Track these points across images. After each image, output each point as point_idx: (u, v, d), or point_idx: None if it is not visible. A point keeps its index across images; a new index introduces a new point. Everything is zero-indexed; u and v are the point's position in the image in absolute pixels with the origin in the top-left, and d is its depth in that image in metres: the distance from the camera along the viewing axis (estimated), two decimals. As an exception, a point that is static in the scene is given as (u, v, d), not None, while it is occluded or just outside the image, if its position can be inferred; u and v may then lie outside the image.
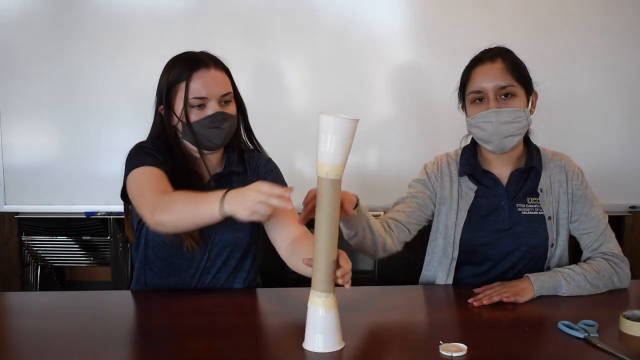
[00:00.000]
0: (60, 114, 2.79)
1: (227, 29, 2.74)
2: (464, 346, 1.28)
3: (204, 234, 1.65)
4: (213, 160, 1.72)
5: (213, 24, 2.74)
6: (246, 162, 1.76)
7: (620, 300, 1.65)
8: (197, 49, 1.71)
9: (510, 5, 2.77)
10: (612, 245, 1.71)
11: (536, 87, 1.73)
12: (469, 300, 1.56)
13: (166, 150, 1.66)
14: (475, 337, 1.36)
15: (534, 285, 1.58)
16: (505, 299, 1.53)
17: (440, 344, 1.30)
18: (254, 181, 1.65)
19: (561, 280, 1.60)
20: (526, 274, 1.61)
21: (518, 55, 1.72)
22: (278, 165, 1.81)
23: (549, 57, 2.78)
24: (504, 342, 1.39)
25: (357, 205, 1.51)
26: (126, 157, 1.64)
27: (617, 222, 3.00)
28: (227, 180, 1.71)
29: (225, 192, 1.33)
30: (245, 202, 1.28)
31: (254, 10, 2.74)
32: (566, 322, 1.40)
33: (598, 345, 1.31)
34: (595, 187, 2.81)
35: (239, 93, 1.75)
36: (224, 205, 1.32)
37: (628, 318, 1.39)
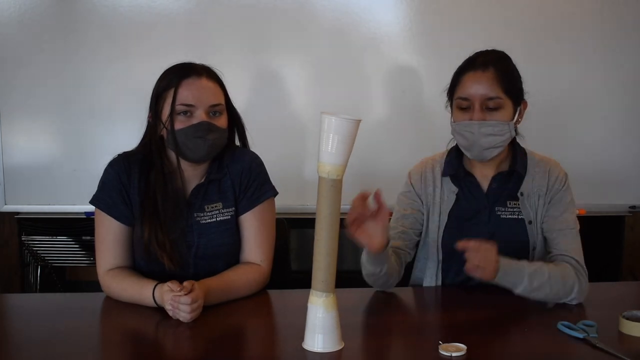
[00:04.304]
0: (60, 114, 2.79)
1: (226, 31, 2.73)
2: (463, 346, 1.28)
3: (183, 251, 1.65)
4: (195, 171, 1.69)
5: (213, 25, 2.73)
6: (225, 167, 1.71)
7: (619, 301, 1.65)
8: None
9: (509, 7, 2.77)
10: (579, 254, 1.65)
11: (527, 97, 1.70)
12: (458, 246, 1.49)
13: (144, 168, 1.65)
14: (475, 337, 1.36)
15: (499, 272, 1.50)
16: (470, 270, 1.48)
17: (440, 344, 1.30)
18: (232, 190, 1.69)
19: (524, 279, 1.52)
20: (501, 256, 1.52)
21: (516, 60, 1.68)
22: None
23: (548, 57, 2.78)
24: (503, 343, 1.39)
25: (387, 245, 1.49)
26: (104, 169, 1.68)
27: (617, 222, 3.01)
28: (206, 190, 1.69)
29: (154, 288, 1.53)
30: (166, 307, 1.47)
31: (253, 12, 2.73)
32: (565, 323, 1.40)
33: (597, 345, 1.31)
34: (595, 187, 2.86)
35: (233, 107, 1.72)
36: (157, 301, 1.52)
37: (627, 318, 1.39)
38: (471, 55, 1.70)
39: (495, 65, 1.64)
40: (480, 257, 1.48)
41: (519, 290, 1.54)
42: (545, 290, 1.54)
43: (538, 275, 1.54)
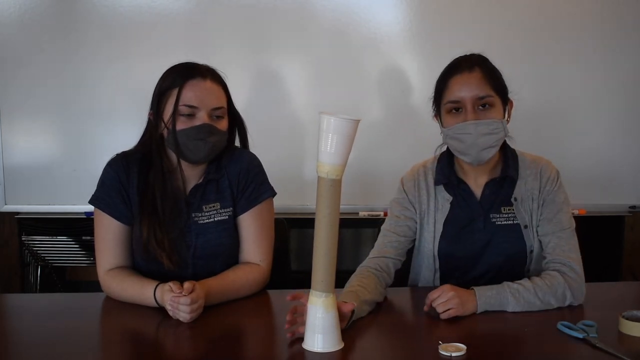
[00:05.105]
0: (60, 114, 2.79)
1: (226, 31, 2.73)
2: (463, 346, 1.29)
3: (182, 251, 1.65)
4: (194, 171, 1.69)
5: (213, 25, 2.73)
6: (223, 167, 1.71)
7: (619, 301, 1.65)
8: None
9: (509, 7, 2.76)
10: (573, 255, 1.63)
11: (512, 96, 1.69)
12: (424, 309, 1.51)
13: (143, 168, 1.66)
14: (475, 337, 1.36)
15: (479, 301, 1.50)
16: (446, 316, 1.46)
17: (440, 344, 1.30)
18: (230, 190, 1.70)
19: (509, 297, 1.52)
20: (472, 287, 1.53)
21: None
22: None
23: (548, 57, 2.78)
24: (503, 342, 1.39)
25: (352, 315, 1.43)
26: (103, 169, 1.68)
27: (617, 222, 3.01)
28: (204, 191, 1.69)
29: (155, 287, 1.53)
30: (167, 307, 1.47)
31: (253, 12, 2.74)
32: (565, 323, 1.40)
33: (597, 345, 1.31)
34: (595, 187, 2.86)
35: (236, 110, 1.72)
36: (157, 301, 1.52)
37: (627, 318, 1.39)
38: (452, 61, 1.69)
39: (479, 65, 1.64)
40: (444, 302, 1.48)
41: (510, 308, 1.52)
42: (537, 303, 1.53)
43: (522, 290, 1.53)
